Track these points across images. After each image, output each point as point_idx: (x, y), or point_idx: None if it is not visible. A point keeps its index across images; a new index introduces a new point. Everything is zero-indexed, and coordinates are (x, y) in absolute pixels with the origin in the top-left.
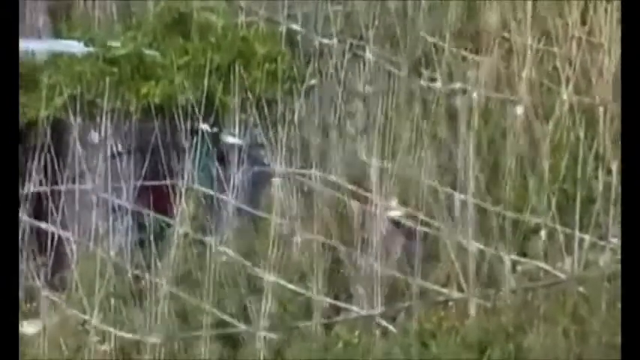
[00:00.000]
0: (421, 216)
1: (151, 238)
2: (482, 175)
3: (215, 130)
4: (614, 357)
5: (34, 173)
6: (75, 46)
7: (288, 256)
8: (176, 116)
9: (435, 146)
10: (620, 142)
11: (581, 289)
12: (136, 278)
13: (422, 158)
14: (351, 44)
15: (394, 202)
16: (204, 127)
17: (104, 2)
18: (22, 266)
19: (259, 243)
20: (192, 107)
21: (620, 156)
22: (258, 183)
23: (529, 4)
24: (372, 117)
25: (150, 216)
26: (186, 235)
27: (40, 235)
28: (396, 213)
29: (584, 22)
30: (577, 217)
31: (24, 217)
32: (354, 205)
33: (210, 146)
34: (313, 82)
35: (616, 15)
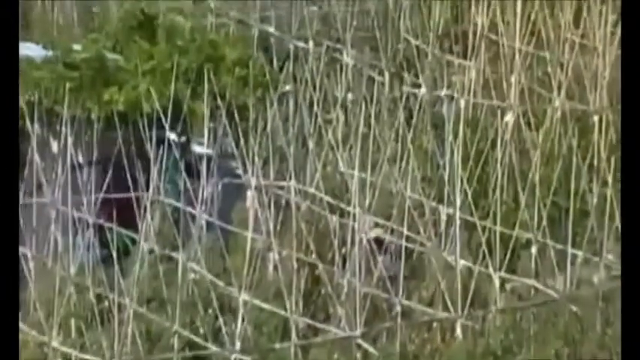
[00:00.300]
0: (405, 231)
1: (115, 254)
2: (470, 187)
3: (183, 139)
4: None
5: None
6: (33, 49)
7: (262, 273)
8: (141, 124)
9: (420, 157)
10: (620, 149)
11: (573, 308)
12: (99, 297)
13: (406, 170)
14: (328, 47)
15: (372, 223)
16: (172, 136)
17: (64, 3)
18: None
19: (232, 260)
20: (158, 115)
21: (620, 165)
22: (230, 196)
23: (519, 5)
24: (352, 126)
25: (113, 231)
26: (152, 251)
27: None
28: (377, 232)
29: (577, 25)
30: (570, 231)
31: None
32: (334, 219)
33: (178, 156)
34: (288, 88)
35: (611, 17)
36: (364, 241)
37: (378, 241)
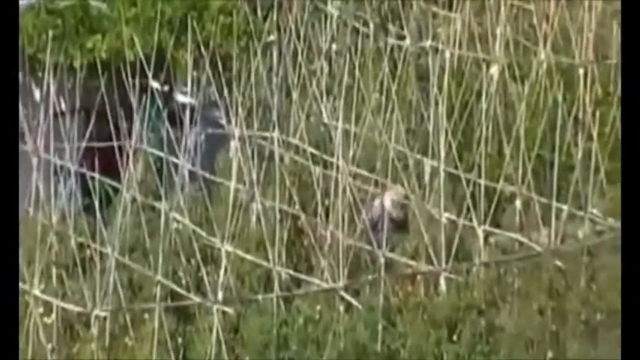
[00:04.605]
0: (388, 184)
1: (97, 203)
2: (454, 140)
3: (166, 88)
4: (593, 335)
5: None
6: None
7: (245, 224)
8: (124, 73)
9: (404, 109)
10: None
11: (558, 262)
12: (81, 246)
13: (390, 121)
14: None
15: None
16: (155, 84)
17: None
18: None
19: (214, 210)
20: (142, 63)
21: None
22: (213, 146)
23: None
24: (336, 76)
25: (95, 179)
26: (134, 200)
27: None
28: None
29: None
30: (554, 185)
31: None
32: (317, 170)
33: (161, 105)
34: (272, 37)
35: None
36: (385, 205)
37: (394, 203)
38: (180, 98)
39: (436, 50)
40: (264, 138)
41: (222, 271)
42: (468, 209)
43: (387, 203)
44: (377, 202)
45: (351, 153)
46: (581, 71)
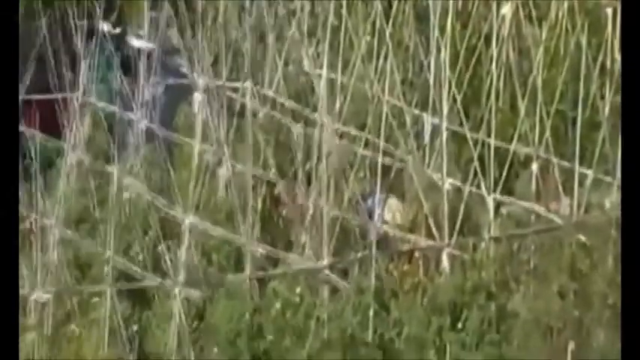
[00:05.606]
0: (382, 144)
1: (37, 166)
2: (460, 92)
3: (118, 30)
4: None
5: None
6: None
7: (212, 192)
8: (69, 13)
9: (400, 55)
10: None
11: (581, 237)
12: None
13: (383, 70)
14: None
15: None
16: (105, 27)
17: None
18: None
19: (176, 175)
20: (90, 1)
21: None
22: (174, 99)
23: None
24: (320, 17)
25: (35, 138)
26: (81, 163)
27: None
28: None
29: None
30: (577, 146)
31: None
32: (297, 128)
33: (113, 51)
34: None
35: None
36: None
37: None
38: (135, 43)
39: None
40: (235, 89)
41: (184, 248)
42: (476, 174)
43: (388, 214)
44: (377, 197)
45: (337, 107)
46: (608, 11)
